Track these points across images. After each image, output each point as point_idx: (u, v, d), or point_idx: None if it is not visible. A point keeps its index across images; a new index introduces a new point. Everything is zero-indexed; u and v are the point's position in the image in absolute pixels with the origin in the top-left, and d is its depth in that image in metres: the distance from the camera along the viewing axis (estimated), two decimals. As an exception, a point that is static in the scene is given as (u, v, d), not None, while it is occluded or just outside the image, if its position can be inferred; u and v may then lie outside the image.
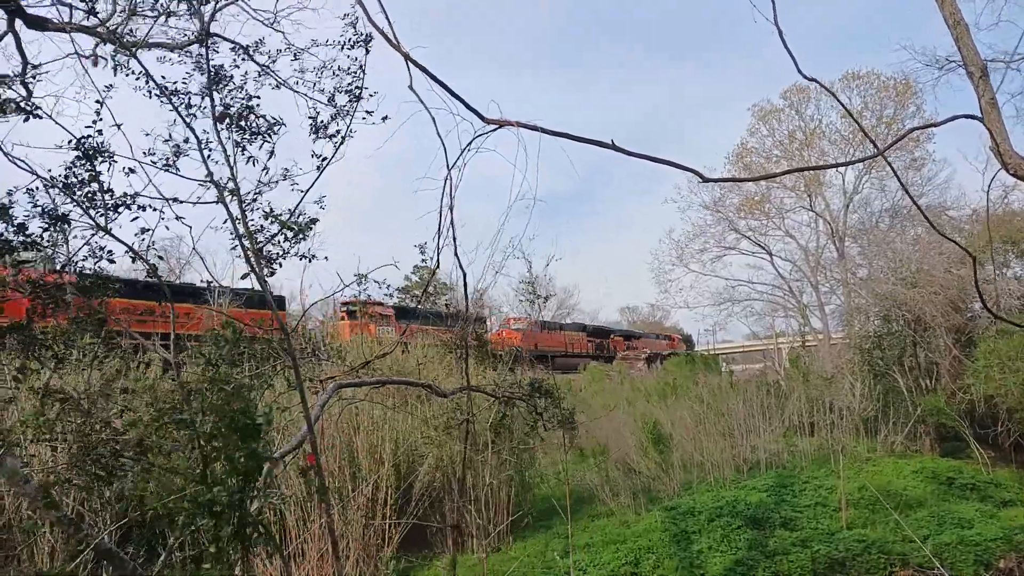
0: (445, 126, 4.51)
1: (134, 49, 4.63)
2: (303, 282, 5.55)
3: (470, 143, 4.45)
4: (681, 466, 14.06)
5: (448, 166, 4.66)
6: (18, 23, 4.73)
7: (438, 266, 5.18)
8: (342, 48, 5.15)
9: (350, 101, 5.25)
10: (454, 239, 5.03)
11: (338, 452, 9.15)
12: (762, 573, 9.09)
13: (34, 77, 4.72)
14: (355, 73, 5.21)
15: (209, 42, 4.80)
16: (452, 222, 4.90)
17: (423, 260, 5.43)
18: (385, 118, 5.24)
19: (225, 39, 5.12)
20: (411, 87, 5.19)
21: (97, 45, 4.98)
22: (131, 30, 5.12)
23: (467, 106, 4.30)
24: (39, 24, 4.80)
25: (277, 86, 5.28)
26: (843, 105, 5.54)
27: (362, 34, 5.02)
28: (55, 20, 4.92)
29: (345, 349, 11.70)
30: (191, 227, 4.74)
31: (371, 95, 5.22)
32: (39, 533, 6.52)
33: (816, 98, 30.81)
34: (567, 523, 8.82)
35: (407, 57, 4.57)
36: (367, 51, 5.07)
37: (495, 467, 10.51)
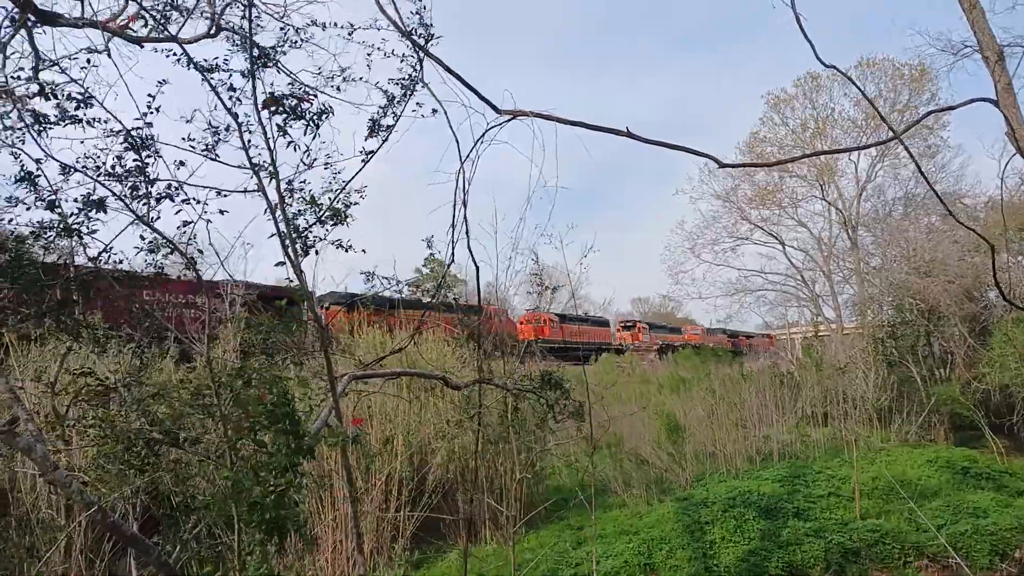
0: (455, 119, 4.49)
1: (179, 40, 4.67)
2: (316, 276, 5.53)
3: (483, 134, 4.38)
4: (694, 457, 14.06)
5: (461, 159, 4.64)
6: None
7: (452, 260, 5.18)
8: (401, 35, 5.03)
9: (404, 94, 5.19)
10: (467, 233, 5.02)
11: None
12: (775, 563, 9.08)
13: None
14: (414, 64, 5.14)
15: (253, 24, 4.75)
16: (466, 216, 4.89)
17: (431, 253, 5.42)
18: (435, 111, 5.10)
19: (229, 30, 5.09)
20: (422, 79, 5.19)
21: (109, 40, 5.00)
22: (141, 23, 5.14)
23: (480, 96, 4.26)
24: (51, 19, 4.83)
25: (336, 77, 5.17)
26: (862, 91, 5.51)
27: (427, 25, 4.91)
28: (67, 15, 4.95)
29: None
30: (210, 220, 4.70)
31: (423, 85, 5.02)
32: (59, 529, 6.61)
33: (829, 87, 30.59)
34: (587, 514, 8.84)
35: (420, 48, 4.57)
36: (427, 41, 4.96)
37: (508, 459, 10.55)
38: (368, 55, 5.15)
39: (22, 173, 4.40)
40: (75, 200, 4.48)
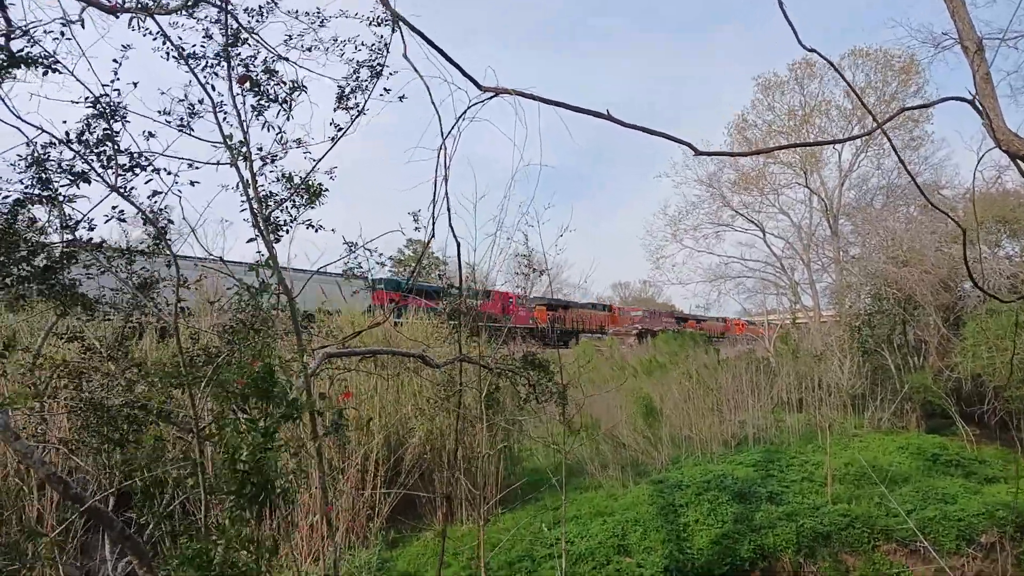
0: (438, 96, 4.47)
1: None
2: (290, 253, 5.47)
3: (465, 111, 4.39)
4: (670, 440, 14.16)
5: (442, 135, 4.61)
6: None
7: (433, 235, 5.16)
8: (370, 24, 5.05)
9: (371, 77, 5.19)
10: (448, 209, 5.00)
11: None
12: (748, 546, 9.20)
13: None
14: (379, 50, 5.15)
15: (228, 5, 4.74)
16: (447, 192, 4.87)
17: (416, 228, 5.41)
18: (402, 98, 5.16)
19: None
20: (405, 55, 5.11)
21: (83, 9, 4.88)
22: None
23: (463, 72, 4.21)
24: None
25: (308, 49, 5.15)
26: (843, 76, 5.44)
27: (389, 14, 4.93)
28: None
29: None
30: (180, 194, 4.70)
31: (391, 73, 5.14)
32: (26, 498, 6.54)
33: (821, 74, 30.55)
34: (558, 495, 8.88)
35: (400, 19, 4.49)
36: (394, 30, 4.97)
37: (486, 439, 10.55)
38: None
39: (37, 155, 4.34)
40: (59, 171, 4.42)
